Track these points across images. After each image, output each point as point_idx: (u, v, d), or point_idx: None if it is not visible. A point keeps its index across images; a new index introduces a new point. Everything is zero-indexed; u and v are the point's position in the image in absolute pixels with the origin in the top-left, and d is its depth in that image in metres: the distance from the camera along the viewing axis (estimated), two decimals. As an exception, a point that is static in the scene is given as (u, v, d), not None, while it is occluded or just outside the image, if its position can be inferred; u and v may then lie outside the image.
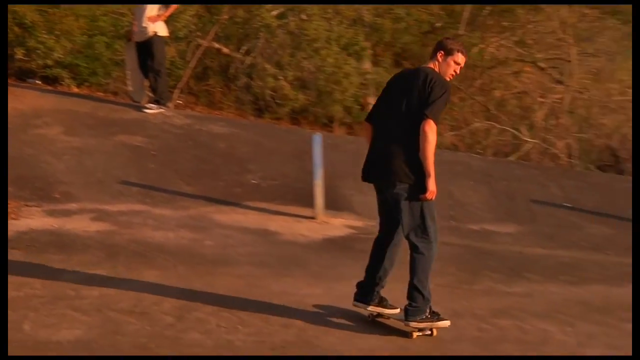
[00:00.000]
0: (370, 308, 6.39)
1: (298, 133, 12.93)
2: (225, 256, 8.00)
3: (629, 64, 15.65)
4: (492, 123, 14.77)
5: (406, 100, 5.94)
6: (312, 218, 9.29)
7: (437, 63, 6.08)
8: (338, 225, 9.31)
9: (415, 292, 6.06)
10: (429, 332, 6.23)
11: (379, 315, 6.48)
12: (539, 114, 14.68)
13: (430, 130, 5.75)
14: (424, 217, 5.96)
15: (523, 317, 7.11)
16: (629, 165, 13.37)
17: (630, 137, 13.80)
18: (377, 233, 6.37)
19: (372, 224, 9.36)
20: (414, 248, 6.04)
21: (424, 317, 6.12)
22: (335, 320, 6.54)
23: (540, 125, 14.52)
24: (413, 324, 6.13)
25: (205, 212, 9.19)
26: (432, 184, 5.80)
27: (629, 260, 8.72)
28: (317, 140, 9.37)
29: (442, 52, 6.09)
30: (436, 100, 5.81)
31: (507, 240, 9.47)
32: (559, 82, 15.34)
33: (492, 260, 8.69)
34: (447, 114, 15.14)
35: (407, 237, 6.05)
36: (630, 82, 15.05)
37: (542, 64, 15.71)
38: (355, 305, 6.42)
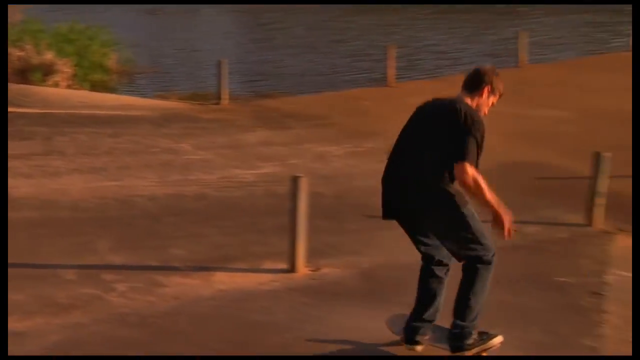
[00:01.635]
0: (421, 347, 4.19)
1: None
2: None
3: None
4: None
5: (434, 133, 3.98)
6: None
7: (477, 98, 4.08)
8: None
9: (466, 309, 3.98)
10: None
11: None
12: None
13: (466, 174, 3.81)
14: (467, 229, 3.92)
15: None
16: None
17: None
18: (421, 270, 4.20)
19: None
20: (475, 259, 3.96)
21: (472, 341, 4.01)
22: None
23: None
24: (464, 353, 4.02)
25: None
26: (507, 220, 3.85)
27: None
28: None
29: (489, 88, 4.09)
30: (469, 143, 3.85)
31: None
32: None
33: None
34: None
35: (462, 257, 4.00)
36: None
37: None
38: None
